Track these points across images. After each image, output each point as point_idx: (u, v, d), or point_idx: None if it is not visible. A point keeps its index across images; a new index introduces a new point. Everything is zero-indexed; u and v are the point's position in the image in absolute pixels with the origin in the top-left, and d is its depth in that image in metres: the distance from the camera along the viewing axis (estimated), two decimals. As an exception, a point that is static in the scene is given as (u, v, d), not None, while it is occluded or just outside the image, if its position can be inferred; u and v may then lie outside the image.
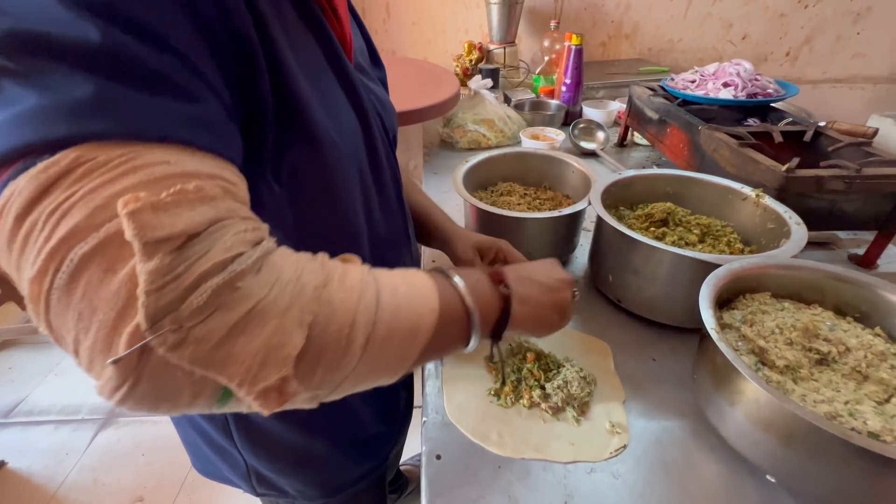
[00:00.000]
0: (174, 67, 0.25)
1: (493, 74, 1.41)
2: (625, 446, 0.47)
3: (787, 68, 1.70)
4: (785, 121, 0.85)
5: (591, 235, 0.70)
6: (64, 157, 0.22)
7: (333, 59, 0.40)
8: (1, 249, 0.23)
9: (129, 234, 0.21)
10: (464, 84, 1.44)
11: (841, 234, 0.79)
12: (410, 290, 0.32)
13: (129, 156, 0.23)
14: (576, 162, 0.79)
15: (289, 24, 0.35)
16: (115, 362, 0.22)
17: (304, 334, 0.26)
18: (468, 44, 1.57)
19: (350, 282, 0.29)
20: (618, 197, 0.71)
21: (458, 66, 1.59)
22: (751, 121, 0.92)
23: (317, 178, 0.38)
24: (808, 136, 0.77)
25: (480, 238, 0.62)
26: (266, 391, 0.25)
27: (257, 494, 0.63)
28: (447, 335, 0.35)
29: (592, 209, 0.63)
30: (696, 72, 1.00)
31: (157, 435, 1.48)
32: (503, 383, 0.53)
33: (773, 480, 0.42)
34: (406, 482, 1.23)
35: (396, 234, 0.53)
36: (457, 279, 0.36)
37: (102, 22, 0.23)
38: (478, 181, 0.81)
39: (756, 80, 0.93)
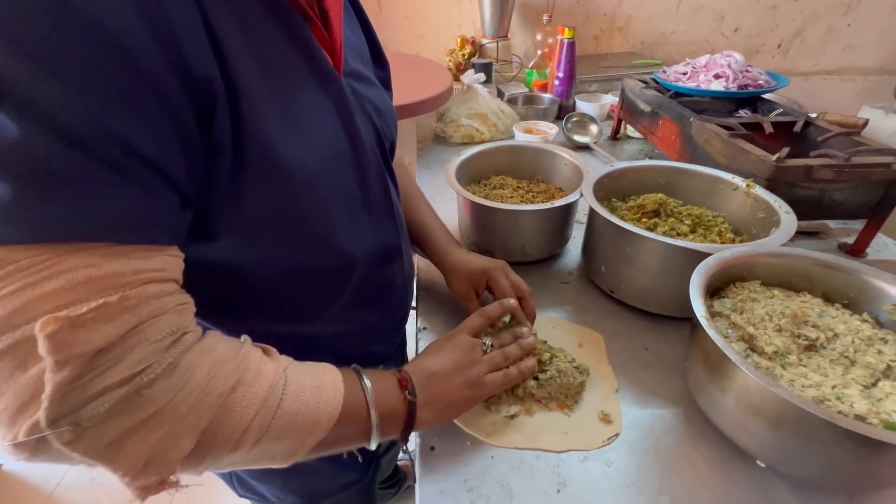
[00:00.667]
0: (101, 159, 0.23)
1: (485, 69, 1.41)
2: (617, 434, 0.47)
3: (778, 60, 1.71)
4: (776, 112, 0.86)
5: (583, 228, 0.70)
6: None
7: (317, 69, 0.37)
8: None
9: (43, 351, 0.22)
10: (456, 79, 1.44)
11: (831, 223, 0.79)
12: (316, 393, 0.34)
13: (54, 260, 0.23)
14: (568, 155, 0.79)
15: (261, 40, 0.32)
16: (14, 445, 0.23)
17: (194, 440, 0.27)
18: (461, 38, 1.57)
19: (258, 388, 0.31)
20: (610, 189, 0.71)
21: (450, 60, 1.58)
22: (742, 112, 0.92)
23: (289, 210, 0.36)
24: (798, 127, 0.78)
25: (472, 268, 0.58)
26: (145, 488, 0.27)
27: (240, 496, 0.63)
28: (346, 434, 0.37)
29: (585, 202, 0.63)
30: (688, 64, 1.00)
31: (153, 434, 1.48)
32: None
33: (762, 465, 0.43)
34: (404, 477, 1.24)
35: (389, 249, 0.51)
36: (367, 383, 0.39)
37: (20, 115, 0.21)
38: (470, 175, 0.81)
39: (747, 71, 0.93)
